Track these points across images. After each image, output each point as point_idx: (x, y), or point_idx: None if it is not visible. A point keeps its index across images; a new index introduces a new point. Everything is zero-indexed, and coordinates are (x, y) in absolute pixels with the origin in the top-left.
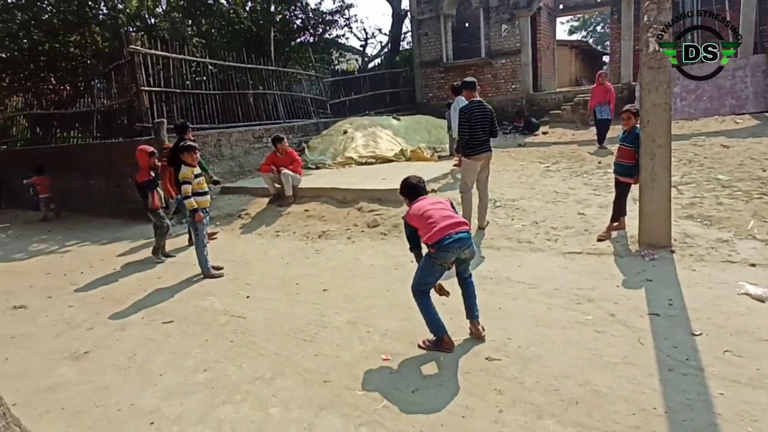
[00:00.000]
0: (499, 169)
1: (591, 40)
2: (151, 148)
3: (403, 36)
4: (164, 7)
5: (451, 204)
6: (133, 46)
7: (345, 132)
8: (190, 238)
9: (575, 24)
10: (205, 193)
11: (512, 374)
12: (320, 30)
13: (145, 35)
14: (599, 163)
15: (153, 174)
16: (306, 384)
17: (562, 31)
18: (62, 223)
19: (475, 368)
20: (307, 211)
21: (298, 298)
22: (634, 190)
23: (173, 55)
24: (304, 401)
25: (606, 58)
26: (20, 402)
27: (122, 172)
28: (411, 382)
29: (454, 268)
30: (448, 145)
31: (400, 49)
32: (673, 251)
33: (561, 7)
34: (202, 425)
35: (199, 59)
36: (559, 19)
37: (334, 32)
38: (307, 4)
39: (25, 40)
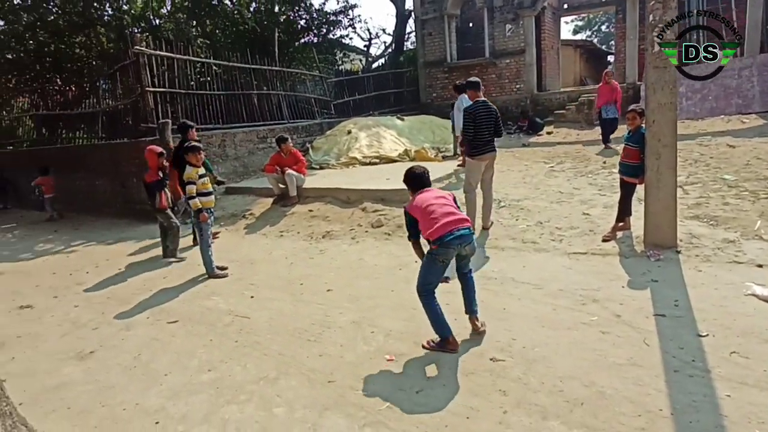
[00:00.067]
0: (504, 170)
1: (596, 40)
2: (160, 149)
3: (407, 36)
4: (169, 8)
5: (454, 199)
6: (138, 47)
7: (349, 132)
8: (194, 239)
9: (580, 23)
10: (209, 194)
11: (517, 375)
12: (324, 30)
13: (149, 36)
14: (604, 163)
15: (161, 174)
16: (310, 384)
17: (566, 31)
18: (68, 224)
19: (480, 369)
20: (311, 211)
21: (302, 298)
22: (640, 190)
23: (178, 56)
24: (309, 401)
25: (611, 58)
26: (26, 401)
27: (127, 172)
28: (415, 383)
29: (453, 262)
30: (452, 145)
31: (404, 49)
32: (678, 252)
33: (565, 6)
34: (207, 425)
35: (204, 60)
36: (563, 19)
37: (338, 32)
38: (311, 4)
39: (31, 42)
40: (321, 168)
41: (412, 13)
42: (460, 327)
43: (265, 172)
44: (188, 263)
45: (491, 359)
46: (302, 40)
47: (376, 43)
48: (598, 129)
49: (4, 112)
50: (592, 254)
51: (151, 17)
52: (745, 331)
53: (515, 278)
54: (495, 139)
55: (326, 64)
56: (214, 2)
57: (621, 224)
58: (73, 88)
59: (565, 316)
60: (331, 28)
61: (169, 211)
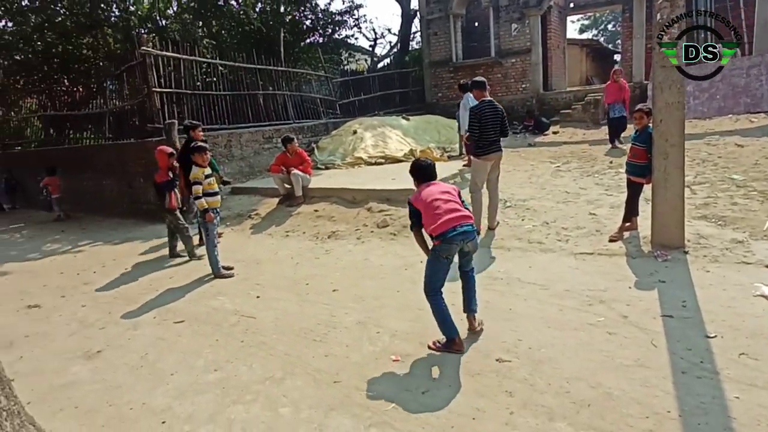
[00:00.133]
0: (510, 169)
1: (602, 39)
2: (170, 149)
3: (412, 36)
4: (175, 9)
5: (459, 193)
6: (144, 48)
7: (354, 132)
8: (201, 239)
9: (586, 23)
10: (215, 194)
11: (523, 376)
12: (330, 30)
13: (156, 37)
14: (611, 162)
15: (171, 175)
16: (316, 384)
17: (572, 30)
18: (75, 224)
19: (486, 370)
20: (316, 211)
21: (308, 299)
22: (647, 190)
23: (184, 57)
24: (314, 401)
25: (617, 57)
26: (34, 400)
27: (134, 172)
28: (421, 383)
29: (456, 258)
30: (457, 145)
31: (410, 48)
32: (686, 252)
33: (572, 5)
34: (213, 425)
35: (210, 60)
36: (569, 18)
37: (344, 32)
38: (317, 4)
39: (38, 43)
40: (326, 168)
41: (418, 13)
42: (465, 328)
43: (271, 172)
44: (194, 263)
45: (497, 360)
46: (308, 40)
47: (382, 43)
48: (605, 129)
49: (12, 113)
50: (598, 254)
51: (158, 18)
52: (754, 333)
53: (521, 279)
54: (501, 138)
55: (331, 64)
56: (220, 3)
57: (628, 224)
58: (81, 89)
59: (571, 316)
60: (337, 28)
61: (177, 212)
